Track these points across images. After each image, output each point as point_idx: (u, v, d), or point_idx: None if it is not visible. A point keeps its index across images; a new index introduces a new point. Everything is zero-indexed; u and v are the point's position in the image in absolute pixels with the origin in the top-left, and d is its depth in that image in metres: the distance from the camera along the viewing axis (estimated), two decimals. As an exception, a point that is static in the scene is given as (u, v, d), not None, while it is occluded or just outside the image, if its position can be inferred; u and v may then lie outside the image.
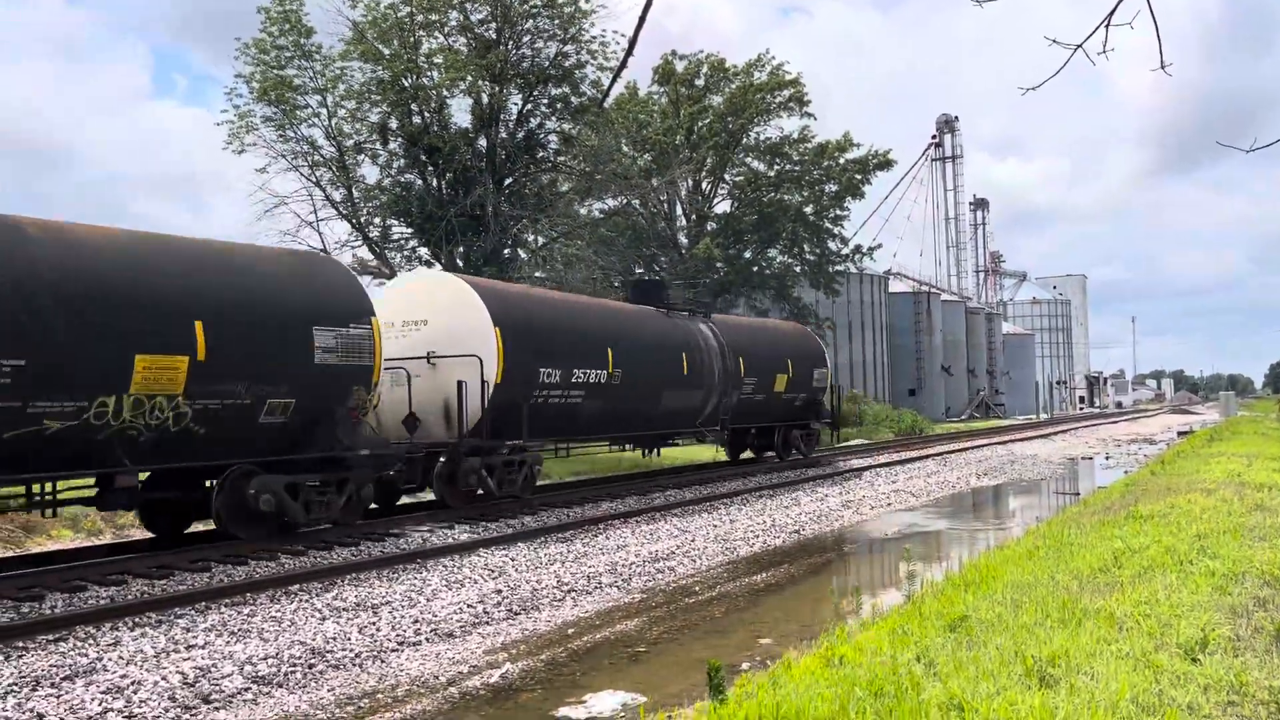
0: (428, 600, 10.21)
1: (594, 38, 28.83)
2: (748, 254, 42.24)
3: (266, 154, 27.26)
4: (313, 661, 8.21)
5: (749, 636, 9.69)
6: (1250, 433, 32.99)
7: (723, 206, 43.13)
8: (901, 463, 27.91)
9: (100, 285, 10.18)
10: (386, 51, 27.23)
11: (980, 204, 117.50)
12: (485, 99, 28.19)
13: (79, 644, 8.09)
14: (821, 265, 43.06)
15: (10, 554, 12.47)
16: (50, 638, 8.18)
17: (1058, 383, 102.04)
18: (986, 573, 8.83)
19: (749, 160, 42.51)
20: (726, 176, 42.55)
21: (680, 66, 41.84)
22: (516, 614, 10.15)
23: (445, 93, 28.11)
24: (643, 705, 7.23)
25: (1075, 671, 5.30)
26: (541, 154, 30.05)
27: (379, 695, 7.66)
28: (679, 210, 42.89)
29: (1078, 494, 21.86)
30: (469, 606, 10.12)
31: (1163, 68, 5.27)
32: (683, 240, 41.90)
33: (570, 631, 9.69)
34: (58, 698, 6.94)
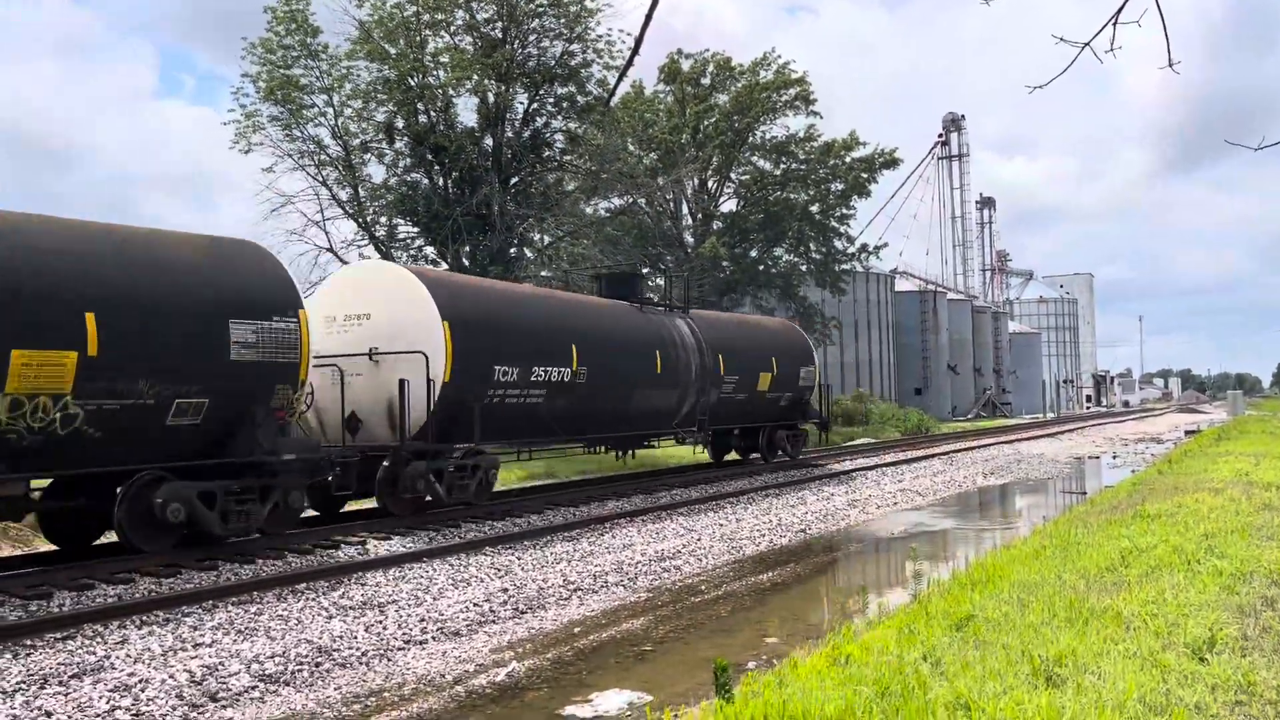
0: (434, 599, 10.23)
1: (599, 36, 28.89)
2: (754, 253, 42.25)
3: (273, 153, 27.38)
4: (319, 660, 8.23)
5: (755, 635, 9.69)
6: (1258, 432, 32.89)
7: (729, 205, 43.16)
8: (908, 462, 27.87)
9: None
10: (393, 51, 27.29)
11: (987, 202, 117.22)
12: (491, 98, 28.24)
13: (87, 642, 8.12)
14: (827, 264, 43.04)
15: (18, 553, 12.51)
16: (58, 636, 8.21)
17: (1064, 382, 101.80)
18: (993, 572, 8.82)
19: (755, 159, 42.52)
20: (732, 175, 42.55)
21: (686, 65, 41.85)
22: (523, 613, 10.16)
23: (451, 92, 28.17)
24: (649, 704, 7.24)
25: (1082, 671, 5.29)
26: (547, 153, 30.09)
27: (386, 694, 7.67)
28: (685, 209, 42.90)
29: (1084, 493, 21.81)
30: (475, 605, 10.13)
31: (1170, 65, 5.25)
32: (689, 239, 41.91)
33: (577, 630, 9.70)
34: (66, 696, 6.96)
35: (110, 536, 11.53)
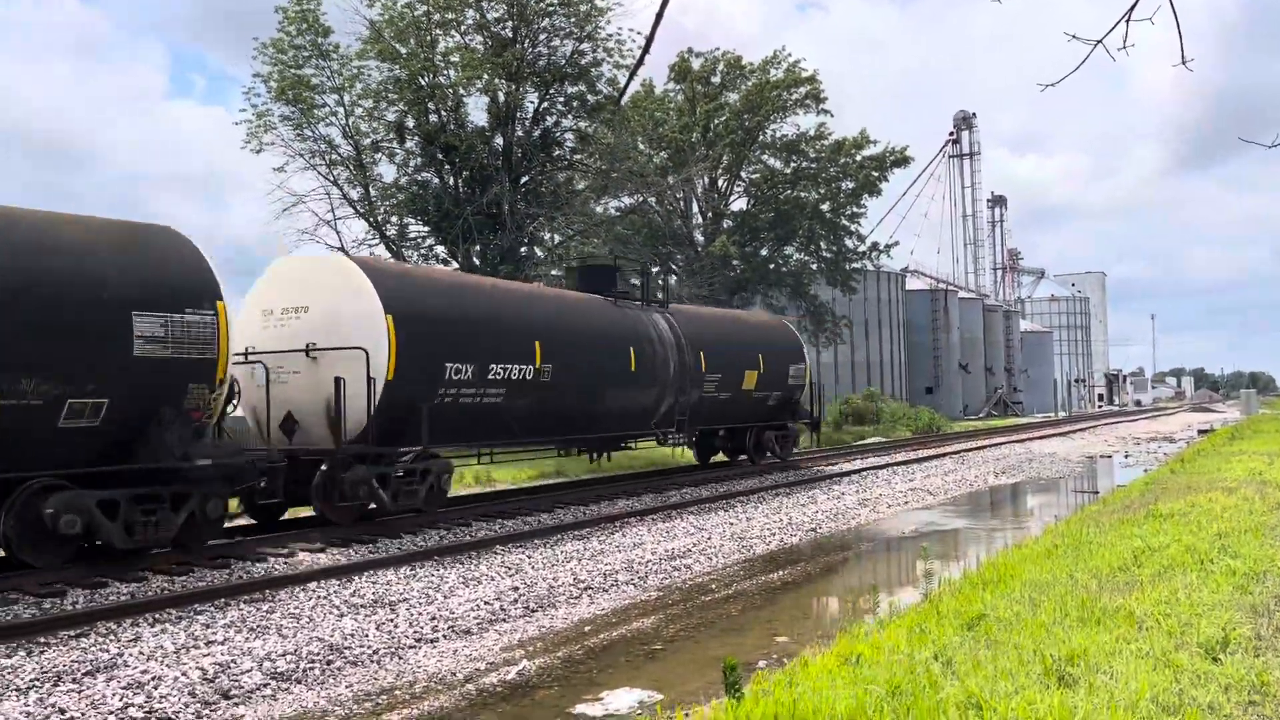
0: (445, 597, 10.25)
1: (610, 35, 28.90)
2: (764, 252, 42.21)
3: (284, 153, 27.46)
4: (331, 658, 8.25)
5: (765, 635, 9.68)
6: (1272, 431, 32.70)
7: (739, 204, 43.13)
8: (919, 461, 27.81)
9: None
10: (403, 50, 27.35)
11: (998, 201, 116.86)
12: (501, 97, 28.28)
13: (100, 640, 8.17)
14: (838, 263, 42.98)
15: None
16: (72, 633, 8.26)
17: (1076, 380, 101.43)
18: (1004, 571, 8.80)
19: (765, 157, 42.47)
20: (743, 174, 42.52)
21: (696, 64, 41.82)
22: (533, 611, 10.17)
23: (462, 91, 28.22)
24: (659, 703, 7.24)
25: (1094, 671, 5.27)
26: (558, 152, 30.12)
27: (397, 692, 7.69)
28: (695, 208, 42.88)
29: (1097, 492, 21.73)
30: (486, 604, 10.15)
31: (1184, 63, 5.22)
32: (699, 238, 41.89)
33: (587, 629, 9.70)
34: (79, 693, 7.00)
35: None
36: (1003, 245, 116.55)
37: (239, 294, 13.63)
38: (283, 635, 8.63)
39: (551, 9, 28.26)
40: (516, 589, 10.78)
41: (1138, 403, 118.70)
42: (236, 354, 12.66)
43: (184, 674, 7.49)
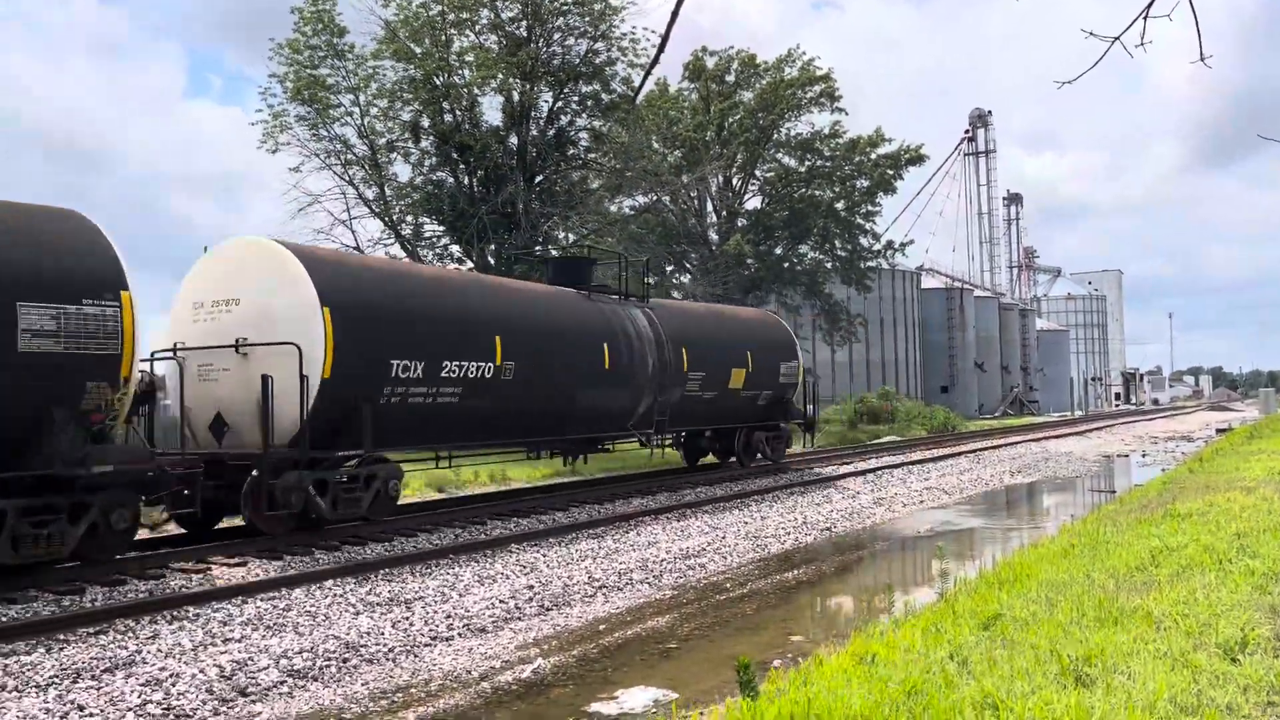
0: (460, 595, 10.28)
1: (624, 34, 28.89)
2: (779, 250, 42.15)
3: (300, 153, 27.57)
4: (347, 656, 8.29)
5: (780, 634, 9.67)
6: (1291, 430, 32.43)
7: (753, 203, 43.07)
8: (934, 460, 27.72)
9: None
10: (418, 50, 27.42)
11: (1014, 199, 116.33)
12: (516, 97, 28.32)
13: (119, 637, 8.23)
14: (853, 261, 42.88)
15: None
16: (91, 631, 8.32)
17: (1093, 379, 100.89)
18: (1021, 571, 8.76)
19: (780, 156, 42.39)
20: (757, 172, 42.45)
21: (711, 63, 41.78)
22: (548, 610, 10.19)
23: (476, 91, 28.27)
24: (674, 702, 7.24)
25: (1112, 671, 5.24)
26: (572, 151, 30.14)
27: (412, 689, 7.72)
28: (709, 207, 42.84)
29: (1113, 492, 21.62)
30: (501, 602, 10.18)
31: (1202, 59, 5.19)
32: (713, 237, 41.86)
33: (602, 627, 9.72)
34: (98, 690, 7.05)
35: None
36: (1018, 243, 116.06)
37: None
38: (299, 633, 8.67)
39: (566, 8, 28.28)
40: (531, 587, 10.80)
41: (1155, 402, 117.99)
42: (164, 350, 12.44)
43: (201, 671, 7.54)
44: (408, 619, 9.35)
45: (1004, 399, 74.55)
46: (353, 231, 28.17)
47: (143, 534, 11.84)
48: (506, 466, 20.42)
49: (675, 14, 7.02)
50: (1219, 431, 42.65)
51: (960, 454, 29.94)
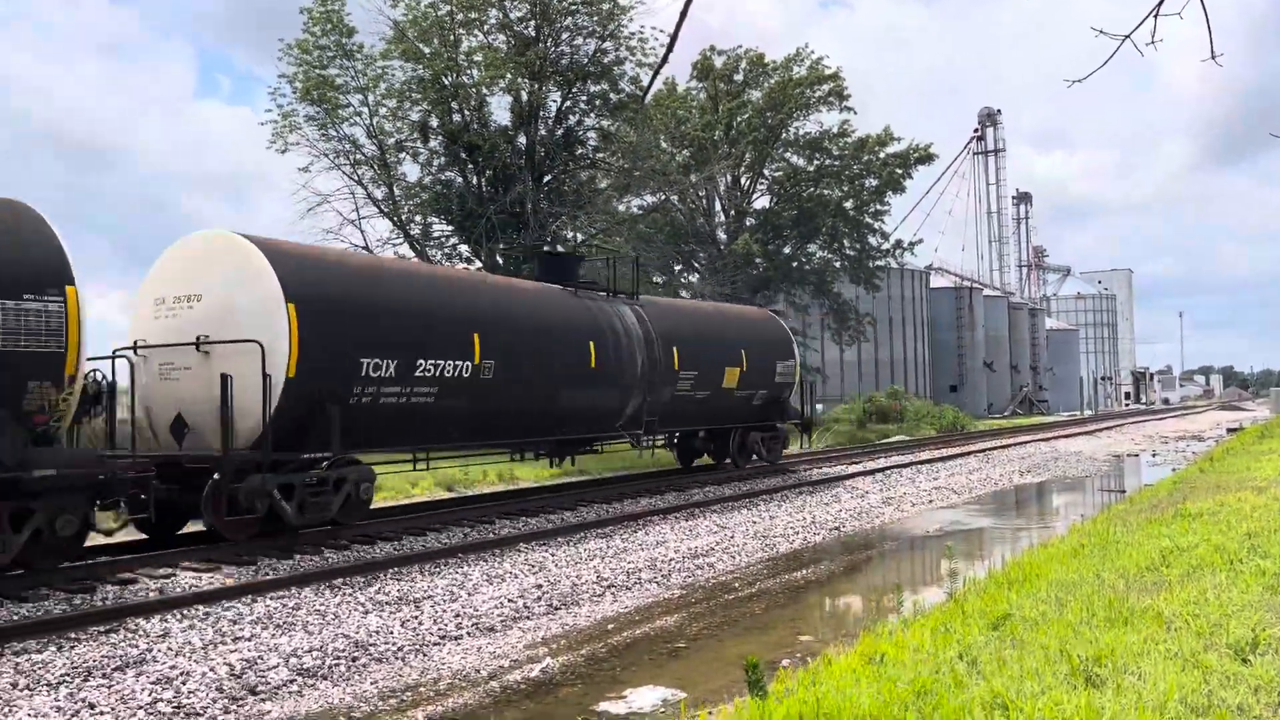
0: (469, 595, 10.29)
1: (632, 34, 28.92)
2: (787, 249, 42.13)
3: (309, 153, 27.67)
4: (356, 654, 8.31)
5: (789, 633, 9.66)
6: (1302, 430, 32.29)
7: (762, 202, 43.07)
8: (943, 459, 27.66)
9: None
10: (427, 50, 27.48)
11: (1023, 198, 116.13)
12: (524, 96, 28.36)
13: (129, 635, 8.26)
14: (862, 260, 42.84)
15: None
16: (102, 629, 8.35)
17: (1103, 379, 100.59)
18: (1030, 571, 8.74)
19: (788, 155, 42.38)
20: (765, 172, 42.45)
21: (719, 62, 41.79)
22: (556, 609, 10.20)
23: (485, 91, 28.33)
24: (683, 701, 7.25)
25: (1122, 671, 5.23)
26: (580, 151, 30.17)
27: (421, 688, 7.73)
28: (718, 206, 42.85)
29: (1123, 491, 21.55)
30: (509, 601, 10.19)
31: (1213, 58, 5.17)
32: (721, 236, 41.86)
33: (610, 627, 9.72)
34: (109, 688, 7.08)
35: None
36: (1028, 242, 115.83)
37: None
38: (309, 632, 8.69)
39: (574, 8, 28.32)
40: (540, 587, 10.81)
41: (1165, 401, 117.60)
42: (124, 347, 12.00)
43: (212, 669, 7.57)
44: (416, 618, 9.37)
45: (1013, 398, 74.37)
46: (362, 231, 28.26)
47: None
48: (515, 466, 20.34)
49: (684, 13, 7.01)
50: (1230, 431, 42.48)
51: (969, 453, 29.87)
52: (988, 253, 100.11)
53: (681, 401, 18.82)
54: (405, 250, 28.75)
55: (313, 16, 26.94)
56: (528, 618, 9.85)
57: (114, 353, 11.90)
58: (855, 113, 41.69)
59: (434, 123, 28.34)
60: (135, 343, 12.06)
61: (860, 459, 27.18)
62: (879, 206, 42.63)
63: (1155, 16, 5.08)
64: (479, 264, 28.13)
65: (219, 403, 11.24)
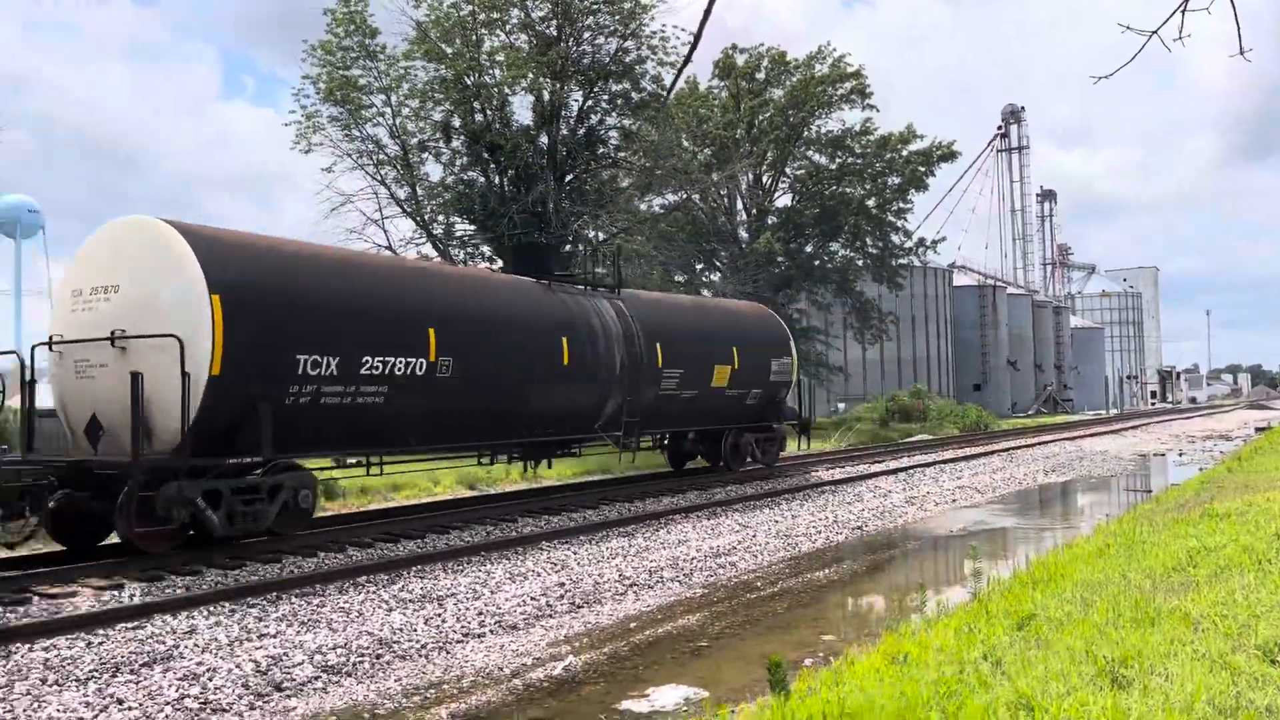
0: (492, 592, 10.33)
1: (654, 33, 28.88)
2: (809, 248, 42.03)
3: (332, 153, 27.80)
4: (380, 652, 8.36)
5: (812, 633, 9.64)
6: (1332, 429, 31.90)
7: (783, 200, 42.99)
8: (966, 458, 27.50)
9: None
10: (449, 50, 27.56)
11: (1047, 195, 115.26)
12: (546, 96, 28.40)
13: (157, 632, 8.34)
14: (884, 259, 42.69)
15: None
16: (129, 625, 8.44)
17: (1128, 378, 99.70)
18: (1055, 571, 8.68)
19: (810, 153, 42.27)
20: (787, 170, 42.35)
21: (741, 60, 41.72)
22: (579, 607, 10.22)
23: (507, 90, 28.38)
24: (705, 700, 7.24)
25: (1149, 672, 5.19)
26: (602, 150, 30.18)
27: (445, 686, 7.77)
28: (739, 204, 42.79)
29: (1149, 491, 21.36)
30: (532, 599, 10.22)
31: (1242, 53, 5.12)
32: (743, 235, 41.80)
33: (632, 625, 9.73)
34: (137, 684, 7.15)
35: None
36: (1052, 240, 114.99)
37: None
38: (333, 629, 8.75)
39: (595, 7, 28.31)
40: (562, 585, 10.83)
41: (1192, 400, 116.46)
42: (40, 343, 11.37)
43: (238, 666, 7.63)
44: (440, 615, 9.41)
45: (1037, 397, 73.87)
46: (385, 231, 28.38)
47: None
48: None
49: (708, 12, 7.02)
50: (1258, 430, 42.02)
51: (993, 452, 29.69)
52: (1011, 251, 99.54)
53: (667, 401, 17.83)
54: (428, 250, 28.86)
55: (336, 18, 27.09)
56: (550, 616, 9.88)
57: (32, 349, 11.32)
58: (878, 110, 41.58)
59: (456, 123, 28.41)
60: (51, 338, 11.28)
61: (883, 458, 27.07)
62: (901, 204, 42.47)
63: (1182, 12, 5.03)
64: (500, 263, 28.19)
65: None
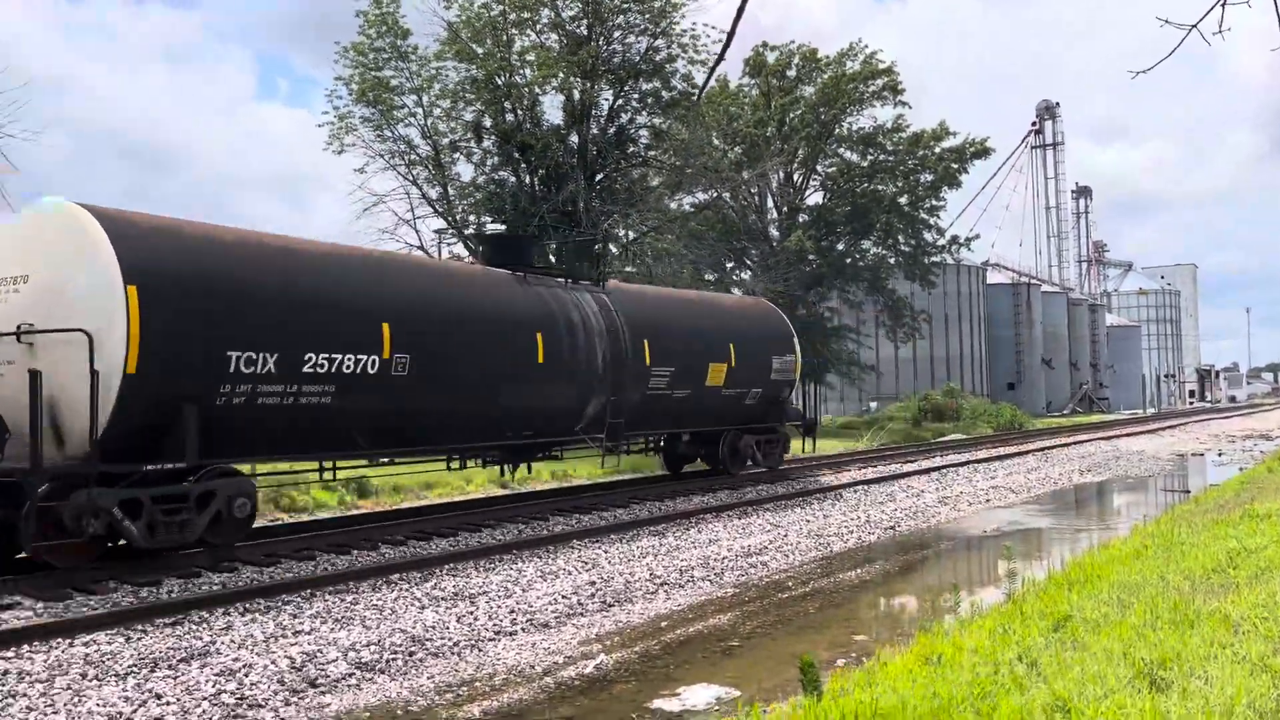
0: (523, 591, 10.37)
1: (684, 31, 28.88)
2: (840, 246, 41.86)
3: (365, 154, 28.07)
4: (413, 649, 8.42)
5: (844, 633, 9.60)
6: (1377, 428, 31.30)
7: (815, 198, 42.84)
8: (1000, 458, 27.26)
9: None
10: (480, 51, 27.71)
11: (1083, 191, 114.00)
12: (577, 95, 28.48)
13: (194, 628, 8.45)
14: (917, 257, 42.44)
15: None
16: (167, 621, 8.56)
17: (1166, 376, 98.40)
18: (1091, 572, 8.59)
19: (842, 151, 42.10)
20: (819, 168, 42.19)
21: (771, 58, 41.60)
22: (610, 606, 10.23)
23: (537, 90, 28.50)
24: (737, 700, 7.23)
25: (1188, 675, 5.12)
26: (632, 149, 30.22)
27: (477, 683, 7.81)
28: (770, 203, 42.68)
29: (1188, 491, 21.06)
30: (563, 597, 10.24)
31: (1282, 46, 5.03)
32: (774, 233, 41.69)
33: (663, 624, 9.73)
34: (175, 679, 7.25)
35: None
36: (1088, 237, 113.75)
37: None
38: (366, 626, 8.82)
39: (626, 6, 28.34)
40: (593, 584, 10.85)
41: (1232, 399, 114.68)
42: None
43: (273, 662, 7.71)
44: (472, 613, 9.46)
45: (1072, 396, 73.09)
46: (416, 231, 28.60)
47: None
48: (573, 464, 20.28)
49: (740, 11, 6.98)
50: (1299, 430, 41.31)
51: (1027, 452, 29.41)
52: (1046, 248, 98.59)
53: (656, 401, 16.71)
54: (460, 250, 29.04)
55: (368, 19, 27.31)
56: (581, 614, 9.90)
57: None
58: (910, 107, 41.35)
59: (487, 123, 28.57)
60: None
61: (915, 457, 26.89)
62: (934, 202, 42.20)
63: (1222, 5, 4.95)
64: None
65: (49, 404, 9.40)
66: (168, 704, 6.83)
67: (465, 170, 29.93)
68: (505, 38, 28.06)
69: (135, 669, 7.39)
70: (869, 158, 41.67)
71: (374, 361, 11.80)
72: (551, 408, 14.84)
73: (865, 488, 19.87)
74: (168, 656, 7.67)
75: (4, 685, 6.91)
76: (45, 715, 6.50)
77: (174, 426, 10.06)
